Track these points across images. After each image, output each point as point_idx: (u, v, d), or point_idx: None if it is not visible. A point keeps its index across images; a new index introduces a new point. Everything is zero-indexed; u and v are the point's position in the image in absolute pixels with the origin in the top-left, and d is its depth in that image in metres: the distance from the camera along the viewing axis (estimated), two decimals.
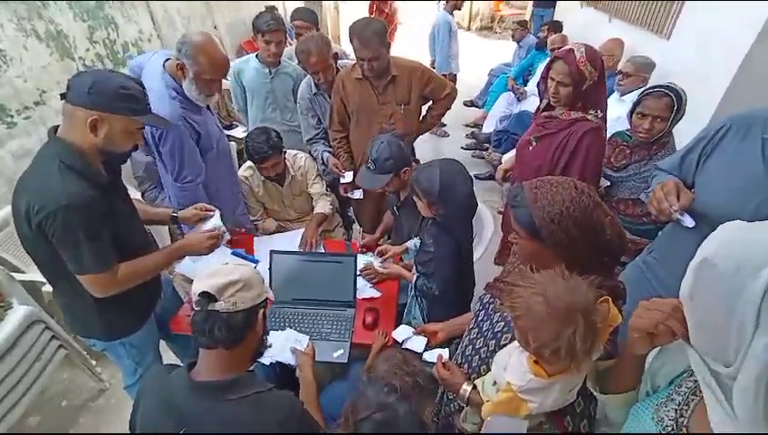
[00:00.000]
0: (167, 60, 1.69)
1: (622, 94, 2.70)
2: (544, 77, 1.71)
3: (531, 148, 1.80)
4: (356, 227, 2.75)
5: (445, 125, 4.75)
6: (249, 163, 2.09)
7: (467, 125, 4.86)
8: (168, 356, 1.81)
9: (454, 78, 4.54)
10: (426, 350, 1.40)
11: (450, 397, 1.21)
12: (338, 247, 2.07)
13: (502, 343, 1.02)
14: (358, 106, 2.04)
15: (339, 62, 2.18)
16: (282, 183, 2.12)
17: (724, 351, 0.57)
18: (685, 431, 0.67)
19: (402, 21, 6.08)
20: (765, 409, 0.53)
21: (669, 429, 0.68)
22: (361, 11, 5.30)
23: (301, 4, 3.68)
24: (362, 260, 1.83)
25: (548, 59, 3.93)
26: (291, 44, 2.99)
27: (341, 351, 1.49)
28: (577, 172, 1.66)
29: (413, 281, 1.57)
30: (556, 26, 4.28)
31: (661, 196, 1.14)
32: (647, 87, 1.77)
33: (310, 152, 2.36)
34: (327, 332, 1.56)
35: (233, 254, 1.87)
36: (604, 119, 1.71)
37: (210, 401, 0.88)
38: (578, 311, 0.73)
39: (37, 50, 2.20)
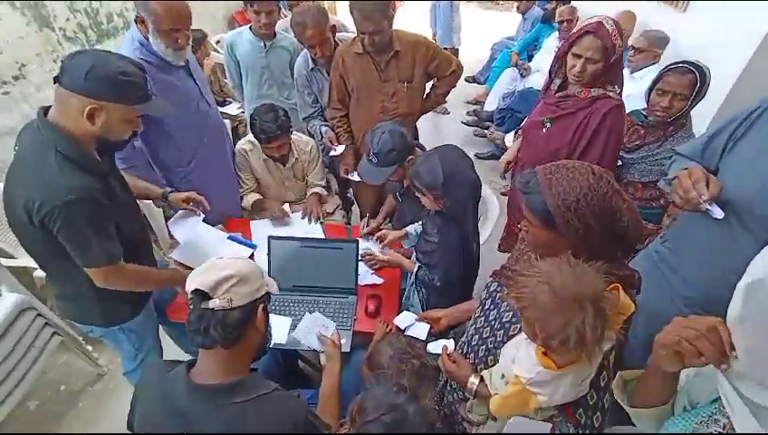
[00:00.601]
0: None
1: (633, 71, 2.58)
2: (562, 54, 1.58)
3: (544, 130, 1.70)
4: (355, 208, 2.68)
5: (445, 102, 4.61)
6: (250, 137, 2.01)
7: (469, 102, 4.72)
8: (166, 341, 1.78)
9: (456, 52, 4.38)
10: (429, 338, 1.37)
11: (453, 386, 1.19)
12: (338, 232, 2.01)
13: (510, 333, 0.99)
14: (358, 83, 1.94)
15: (338, 35, 2.06)
16: (284, 163, 2.05)
17: None
18: None
19: None
20: None
21: None
22: None
23: None
24: (363, 245, 1.78)
25: (555, 32, 3.80)
26: (285, 16, 2.84)
27: (344, 340, 1.45)
28: (598, 153, 1.59)
29: (414, 270, 1.52)
30: None
31: (689, 184, 1.04)
32: (670, 63, 1.65)
33: (308, 130, 2.27)
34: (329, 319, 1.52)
35: (229, 238, 1.82)
36: (620, 95, 1.62)
37: (212, 404, 0.84)
38: (586, 299, 0.71)
39: (12, 19, 2.06)
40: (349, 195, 2.67)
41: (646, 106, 1.75)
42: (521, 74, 3.92)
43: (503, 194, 2.46)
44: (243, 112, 3.22)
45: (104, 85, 1.05)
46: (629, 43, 2.64)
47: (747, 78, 2.28)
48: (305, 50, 2.05)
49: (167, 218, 2.26)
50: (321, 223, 2.03)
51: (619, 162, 1.83)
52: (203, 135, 1.88)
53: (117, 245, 1.20)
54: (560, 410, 0.88)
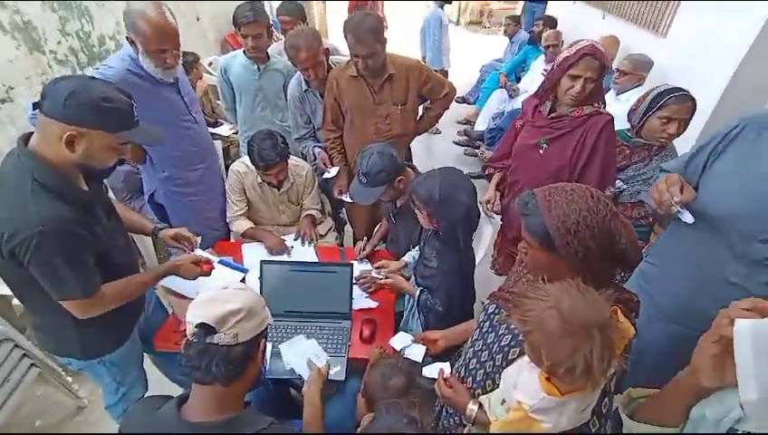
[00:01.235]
0: None
1: (618, 93, 2.65)
2: (558, 78, 1.61)
3: (541, 152, 1.73)
4: (348, 229, 2.66)
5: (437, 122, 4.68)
6: (246, 160, 1.98)
7: (459, 122, 4.80)
8: (152, 371, 1.70)
9: (445, 74, 4.47)
10: (425, 360, 1.34)
11: (450, 411, 1.15)
12: (331, 254, 1.98)
13: (509, 357, 0.97)
14: (352, 105, 1.95)
15: (332, 58, 2.08)
16: (279, 188, 2.02)
17: None
18: None
19: (388, 18, 5.96)
20: None
21: None
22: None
23: None
24: (358, 268, 1.75)
25: (541, 55, 3.92)
26: (278, 39, 2.87)
27: (338, 367, 1.41)
28: (599, 168, 1.64)
29: (416, 295, 1.49)
30: (551, 22, 4.24)
31: (663, 188, 1.08)
32: (665, 90, 1.70)
33: (301, 152, 2.27)
34: (322, 346, 1.47)
35: (220, 263, 1.78)
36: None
37: None
38: (594, 326, 0.68)
39: (2, 42, 2.04)
40: (341, 215, 2.65)
41: (630, 127, 1.82)
42: (510, 95, 4.01)
43: (496, 213, 2.46)
44: (235, 133, 3.22)
45: (84, 111, 1.01)
46: (614, 66, 2.73)
47: (729, 97, 2.36)
48: (298, 72, 2.07)
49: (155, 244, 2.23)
50: (314, 245, 2.00)
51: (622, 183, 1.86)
52: (186, 151, 1.87)
53: (94, 276, 1.14)
54: None
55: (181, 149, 1.86)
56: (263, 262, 1.57)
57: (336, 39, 5.13)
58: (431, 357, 1.35)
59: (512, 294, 1.04)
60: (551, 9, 5.14)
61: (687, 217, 1.07)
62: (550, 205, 0.85)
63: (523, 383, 0.83)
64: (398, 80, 1.90)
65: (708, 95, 2.38)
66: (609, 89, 2.71)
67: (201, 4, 3.82)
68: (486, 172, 2.11)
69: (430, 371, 1.20)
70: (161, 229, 1.55)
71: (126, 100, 1.09)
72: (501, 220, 2.05)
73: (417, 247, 1.72)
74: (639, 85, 2.59)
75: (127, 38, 1.59)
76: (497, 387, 0.95)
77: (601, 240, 0.82)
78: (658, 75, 2.65)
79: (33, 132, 1.08)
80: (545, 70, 3.60)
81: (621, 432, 0.83)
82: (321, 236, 2.17)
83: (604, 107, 1.67)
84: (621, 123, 1.89)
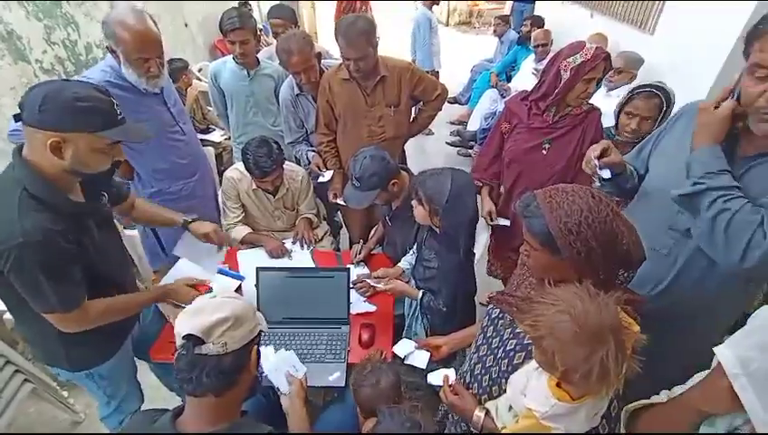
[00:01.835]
0: None
1: (609, 90, 2.67)
2: (571, 84, 1.60)
3: (544, 152, 1.75)
4: (344, 233, 2.65)
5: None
6: (239, 166, 1.96)
7: (452, 123, 4.81)
8: (150, 380, 1.68)
9: (436, 75, 4.47)
10: (429, 367, 1.32)
11: (455, 417, 1.14)
12: (328, 259, 1.96)
13: (515, 362, 0.95)
14: (345, 108, 1.93)
15: (323, 61, 2.07)
16: (275, 194, 2.00)
17: None
18: None
19: (377, 19, 5.97)
20: None
21: None
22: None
23: (276, 2, 3.52)
24: (355, 272, 1.74)
25: (531, 54, 3.93)
26: (269, 44, 2.85)
27: (338, 374, 1.39)
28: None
29: (419, 298, 1.48)
30: (538, 21, 4.26)
31: (590, 152, 1.21)
32: (637, 86, 1.74)
33: (294, 156, 2.25)
34: (321, 353, 1.46)
35: (217, 271, 1.75)
36: None
37: None
38: (608, 331, 0.68)
39: None
40: (337, 219, 2.64)
41: (614, 124, 1.84)
42: (501, 95, 4.02)
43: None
44: (227, 139, 3.19)
45: (60, 115, 0.97)
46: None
47: (717, 92, 2.37)
48: (290, 77, 2.05)
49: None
50: (311, 251, 1.98)
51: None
52: (174, 164, 1.84)
53: (76, 291, 1.11)
54: None
55: (169, 162, 1.82)
56: (259, 269, 1.55)
57: (327, 42, 5.14)
58: (436, 362, 1.34)
59: (516, 298, 1.03)
60: (539, 9, 5.17)
61: (605, 173, 1.20)
62: (551, 206, 0.85)
63: (532, 390, 0.83)
64: (391, 82, 1.89)
65: (696, 90, 2.41)
66: (602, 86, 2.74)
67: (190, 10, 3.79)
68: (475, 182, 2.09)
69: (435, 377, 1.18)
70: (191, 222, 1.55)
71: (104, 97, 1.05)
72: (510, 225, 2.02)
73: (411, 251, 1.72)
74: (631, 82, 2.62)
75: (107, 48, 1.54)
76: (504, 392, 0.95)
77: (603, 240, 0.81)
78: (647, 72, 2.67)
79: None
80: (535, 69, 3.62)
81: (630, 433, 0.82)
82: (317, 240, 2.16)
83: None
84: (607, 121, 1.90)
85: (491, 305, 1.11)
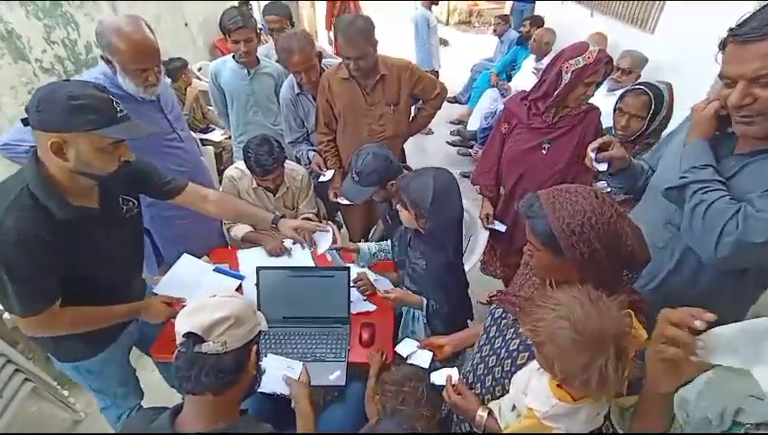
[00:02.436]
0: None
1: (611, 89, 2.67)
2: (572, 87, 1.61)
3: (544, 152, 1.75)
4: (344, 232, 2.64)
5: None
6: (239, 164, 1.95)
7: (452, 122, 4.80)
8: (151, 377, 1.67)
9: (436, 74, 4.47)
10: (431, 366, 1.32)
11: (458, 418, 1.14)
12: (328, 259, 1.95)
13: (518, 362, 0.96)
14: (345, 107, 1.93)
15: (323, 61, 2.07)
16: (275, 193, 2.00)
17: None
18: None
19: (374, 19, 5.97)
20: None
21: None
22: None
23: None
24: (354, 271, 1.74)
25: (531, 54, 3.93)
26: (266, 42, 2.84)
27: (338, 372, 1.39)
28: None
29: (423, 305, 1.47)
30: (538, 21, 4.26)
31: (590, 146, 1.25)
32: (637, 84, 1.75)
33: (295, 155, 2.25)
34: (322, 352, 1.46)
35: (215, 270, 1.75)
36: None
37: None
38: (608, 338, 0.67)
39: None
40: (337, 219, 2.64)
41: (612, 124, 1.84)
42: (502, 94, 4.02)
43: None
44: (227, 139, 3.19)
45: (55, 115, 0.96)
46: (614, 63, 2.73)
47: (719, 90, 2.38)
48: (291, 76, 2.05)
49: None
50: (311, 250, 1.97)
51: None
52: (172, 172, 1.80)
53: (43, 296, 1.09)
54: None
55: (167, 170, 1.78)
56: (259, 268, 1.55)
57: (325, 42, 5.13)
58: (438, 362, 1.34)
59: (519, 298, 1.03)
60: (539, 8, 5.17)
61: (601, 166, 1.24)
62: (554, 206, 0.84)
63: (533, 390, 0.83)
64: (390, 80, 1.90)
65: (697, 90, 2.41)
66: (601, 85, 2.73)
67: (190, 10, 3.79)
68: (476, 188, 2.08)
69: (438, 377, 1.18)
70: (280, 219, 1.58)
71: (101, 95, 1.02)
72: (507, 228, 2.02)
73: (375, 242, 1.75)
74: (635, 82, 2.61)
75: (101, 57, 1.48)
76: (507, 392, 0.94)
77: (607, 241, 0.81)
78: (648, 71, 2.67)
79: None
80: (535, 68, 3.62)
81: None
82: None
83: None
84: (607, 120, 1.90)
85: (493, 305, 1.11)
